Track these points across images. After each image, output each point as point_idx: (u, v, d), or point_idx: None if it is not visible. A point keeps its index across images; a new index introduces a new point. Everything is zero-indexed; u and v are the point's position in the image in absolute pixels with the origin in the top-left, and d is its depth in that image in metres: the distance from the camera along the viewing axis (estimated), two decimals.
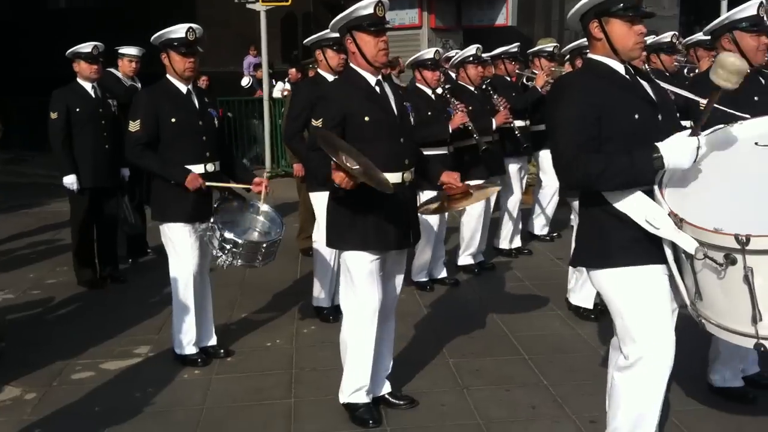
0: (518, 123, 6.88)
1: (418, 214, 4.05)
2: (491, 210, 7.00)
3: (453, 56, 7.38)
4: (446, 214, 6.33)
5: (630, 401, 3.06)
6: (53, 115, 6.26)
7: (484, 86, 6.69)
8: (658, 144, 2.82)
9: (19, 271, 7.21)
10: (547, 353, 4.81)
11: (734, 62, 2.78)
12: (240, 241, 4.41)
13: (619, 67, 3.03)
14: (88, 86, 6.41)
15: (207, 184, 4.59)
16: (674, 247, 2.84)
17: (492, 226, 7.24)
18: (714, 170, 2.92)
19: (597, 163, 2.84)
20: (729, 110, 3.50)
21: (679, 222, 2.74)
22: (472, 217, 6.64)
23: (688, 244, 2.71)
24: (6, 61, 16.47)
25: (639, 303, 2.97)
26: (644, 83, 3.08)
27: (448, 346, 4.97)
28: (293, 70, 12.74)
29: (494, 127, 6.44)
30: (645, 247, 2.91)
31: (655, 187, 2.87)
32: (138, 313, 5.77)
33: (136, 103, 4.76)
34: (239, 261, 4.44)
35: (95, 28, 15.34)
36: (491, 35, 13.36)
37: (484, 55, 7.02)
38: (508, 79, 7.36)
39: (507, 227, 7.37)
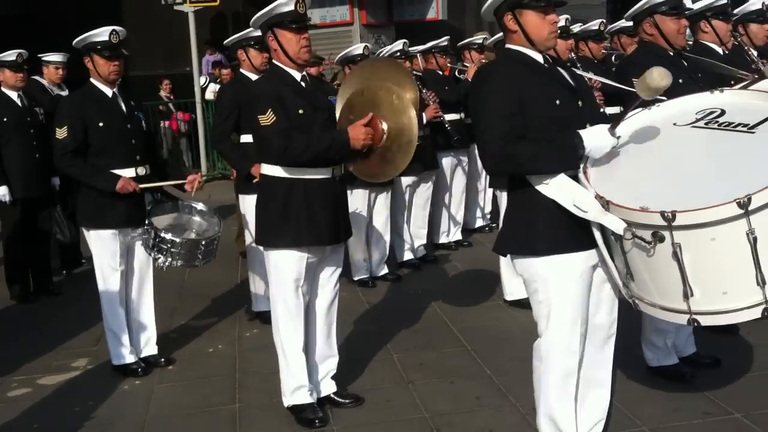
0: (452, 116, 6.92)
1: (348, 211, 4.06)
2: (429, 203, 7.02)
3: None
4: (384, 211, 6.35)
5: (545, 387, 3.16)
6: None
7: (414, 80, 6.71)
8: (581, 132, 2.89)
9: None
10: (489, 343, 4.86)
11: (656, 80, 2.83)
12: (178, 240, 4.36)
13: (538, 57, 3.08)
14: (13, 95, 6.24)
15: (140, 186, 4.49)
16: (603, 230, 2.89)
17: (429, 223, 7.28)
18: (636, 152, 2.99)
19: (524, 151, 2.89)
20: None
21: (605, 204, 2.79)
22: (401, 213, 6.67)
23: (615, 225, 2.76)
24: None
25: (556, 292, 3.03)
26: (562, 71, 3.14)
27: (391, 342, 4.99)
28: (226, 70, 12.59)
29: (424, 121, 6.47)
30: (571, 234, 2.96)
31: (580, 172, 2.93)
32: (74, 326, 5.64)
33: (61, 109, 4.66)
34: (179, 261, 4.39)
35: (12, 37, 14.95)
36: (423, 30, 13.44)
37: (413, 49, 7.06)
38: (440, 73, 7.40)
39: (443, 221, 7.41)
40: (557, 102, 3.02)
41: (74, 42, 4.59)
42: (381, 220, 6.40)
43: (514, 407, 3.95)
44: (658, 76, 2.83)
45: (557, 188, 2.95)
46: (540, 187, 2.98)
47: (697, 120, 3.04)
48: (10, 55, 6.18)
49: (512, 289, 5.51)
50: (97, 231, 4.57)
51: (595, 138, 2.89)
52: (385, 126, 3.65)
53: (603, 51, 6.89)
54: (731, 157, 2.82)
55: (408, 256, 6.85)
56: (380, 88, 3.79)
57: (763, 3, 5.33)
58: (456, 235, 7.50)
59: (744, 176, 2.63)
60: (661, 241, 2.66)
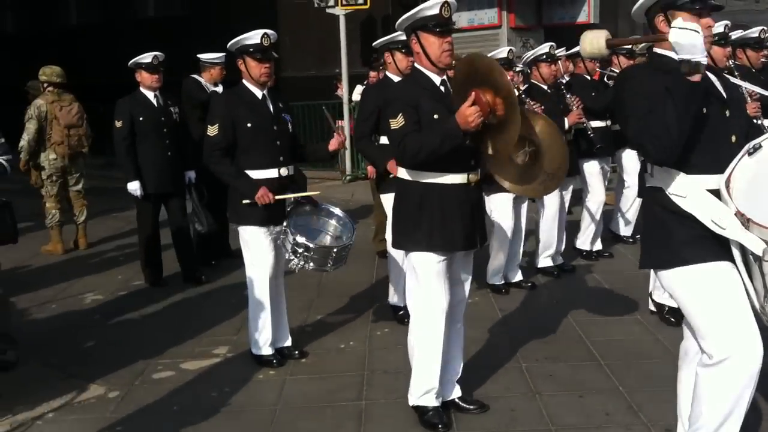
0: (597, 123, 6.76)
1: (486, 216, 4.03)
2: (566, 210, 6.88)
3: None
4: (519, 212, 6.28)
5: (716, 400, 2.94)
6: (118, 124, 6.56)
7: (560, 84, 6.61)
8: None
9: (108, 272, 7.50)
10: (623, 359, 4.70)
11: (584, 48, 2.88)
12: (311, 246, 4.48)
13: None
14: (150, 95, 6.64)
15: (276, 197, 4.64)
16: (742, 248, 2.74)
17: (573, 227, 7.13)
18: None
19: (667, 107, 2.78)
20: None
21: (746, 222, 2.65)
22: (548, 218, 6.56)
23: (755, 244, 2.63)
24: (100, 68, 17.12)
25: (714, 300, 2.88)
26: (713, 78, 2.99)
27: (521, 351, 4.92)
28: (372, 72, 12.82)
29: (566, 126, 6.34)
30: (712, 244, 2.84)
31: (722, 186, 2.79)
32: (218, 314, 5.93)
33: (213, 107, 4.89)
34: (311, 265, 4.52)
35: (179, 36, 15.87)
36: (573, 33, 13.13)
37: (562, 53, 6.93)
38: (588, 77, 7.22)
39: (588, 228, 7.23)
40: (704, 110, 2.88)
41: (228, 45, 4.81)
42: (520, 225, 6.33)
43: (645, 426, 3.81)
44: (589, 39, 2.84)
45: (696, 202, 2.83)
46: (677, 200, 2.87)
47: None
48: (146, 57, 6.57)
49: (661, 292, 5.30)
50: (245, 227, 4.77)
51: (682, 35, 2.73)
52: (488, 96, 3.50)
53: (762, 59, 6.51)
54: None
55: (547, 263, 6.73)
56: (462, 64, 3.70)
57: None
58: (597, 244, 7.30)
59: None
60: None
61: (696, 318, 2.96)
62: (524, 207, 6.34)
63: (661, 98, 2.80)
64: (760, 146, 2.90)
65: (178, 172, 6.77)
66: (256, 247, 4.77)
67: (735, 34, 6.69)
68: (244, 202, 4.63)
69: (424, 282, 3.83)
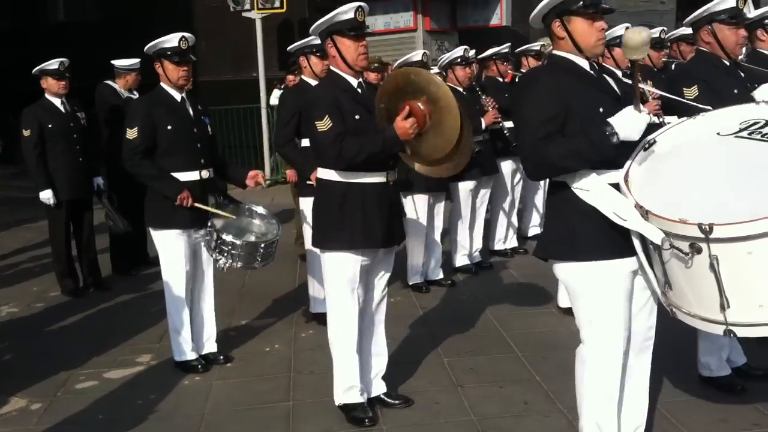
0: (511, 124, 6.95)
1: (401, 215, 4.15)
2: (485, 208, 7.08)
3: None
4: (440, 216, 6.44)
5: (588, 392, 3.18)
6: (26, 133, 6.45)
7: (474, 86, 6.80)
8: (610, 119, 2.92)
9: (23, 284, 7.33)
10: (540, 350, 4.90)
11: (632, 38, 2.86)
12: (238, 243, 4.52)
13: (584, 63, 3.12)
14: (57, 102, 6.57)
15: (195, 204, 4.66)
16: (642, 238, 2.92)
17: (486, 228, 7.33)
18: (678, 161, 3.01)
19: (557, 147, 2.93)
20: (694, 103, 3.58)
21: (645, 213, 2.82)
22: (463, 217, 6.73)
23: (654, 234, 2.79)
24: (9, 75, 16.61)
25: (599, 297, 3.07)
26: (608, 78, 3.17)
27: (442, 346, 5.07)
28: (290, 76, 12.84)
29: (483, 127, 6.54)
30: (612, 240, 3.00)
31: (621, 181, 2.97)
32: (139, 323, 5.88)
33: (132, 111, 4.87)
34: (239, 263, 4.55)
35: (92, 41, 15.52)
36: (487, 36, 13.47)
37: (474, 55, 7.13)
38: (501, 80, 7.45)
39: (501, 228, 7.45)
40: (600, 110, 3.03)
41: (145, 48, 4.80)
42: (438, 225, 6.49)
43: (562, 413, 3.99)
44: (631, 34, 2.86)
45: (598, 196, 2.99)
46: (580, 194, 3.02)
47: (741, 130, 3.04)
48: (53, 64, 6.50)
49: (566, 296, 5.51)
50: (163, 231, 4.76)
51: (624, 120, 2.90)
52: (421, 105, 3.64)
53: (663, 59, 6.84)
54: None
55: (464, 261, 6.92)
56: (395, 77, 3.82)
57: None
58: (512, 241, 7.53)
59: None
60: (698, 253, 2.69)
61: (579, 310, 3.18)
62: (441, 206, 6.50)
63: (561, 118, 2.97)
64: (655, 141, 3.10)
65: (88, 178, 6.71)
66: (174, 252, 4.77)
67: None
68: (173, 202, 4.63)
69: (339, 283, 3.93)
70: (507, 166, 7.22)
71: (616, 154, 2.99)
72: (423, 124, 3.66)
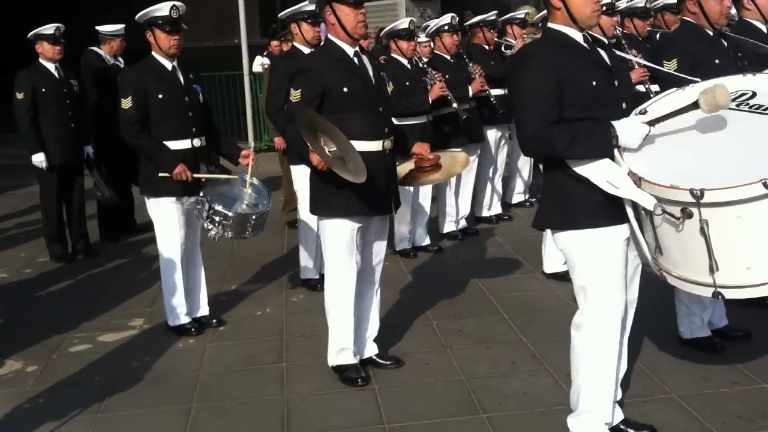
0: (497, 92, 7.02)
1: (397, 182, 4.22)
2: (472, 176, 7.16)
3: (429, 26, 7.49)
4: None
5: (587, 358, 3.26)
6: (19, 96, 6.45)
7: (461, 54, 6.85)
8: (614, 123, 3.01)
9: (11, 250, 7.35)
10: (526, 313, 5.02)
11: (722, 100, 2.92)
12: (230, 214, 4.58)
13: (578, 36, 3.16)
14: (51, 67, 6.57)
15: (194, 175, 4.69)
16: (634, 206, 3.02)
17: (472, 195, 7.42)
18: (669, 132, 3.10)
19: (561, 137, 3.00)
20: (681, 75, 3.67)
21: (637, 180, 2.92)
22: (448, 183, 6.81)
23: (646, 200, 2.89)
24: None
25: (596, 264, 3.15)
26: (601, 51, 3.24)
27: (431, 310, 5.18)
28: (274, 42, 12.78)
29: (470, 95, 6.60)
30: (606, 208, 3.09)
31: (615, 150, 3.06)
32: (130, 288, 5.94)
33: (124, 80, 4.88)
34: (229, 233, 4.61)
35: (71, 6, 15.34)
36: (468, 2, 13.47)
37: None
38: (486, 47, 7.49)
39: (486, 195, 7.55)
40: (594, 83, 3.10)
41: (136, 17, 4.79)
42: (425, 192, 6.57)
43: (548, 373, 4.12)
44: (721, 97, 2.91)
45: (591, 166, 3.07)
46: (575, 166, 3.10)
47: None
48: (49, 29, 6.48)
49: (552, 262, 5.64)
50: (156, 199, 4.80)
51: (629, 130, 3.01)
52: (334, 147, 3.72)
53: (648, 28, 6.91)
54: (760, 139, 2.93)
55: (451, 228, 7.02)
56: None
57: None
58: (496, 208, 7.64)
59: None
60: (689, 218, 2.80)
61: (576, 278, 3.26)
62: None
63: (558, 93, 3.03)
64: (646, 111, 3.20)
65: (79, 145, 6.72)
66: (168, 219, 4.82)
67: (622, 4, 7.09)
68: (161, 174, 4.66)
69: (337, 248, 4.01)
70: (492, 134, 7.30)
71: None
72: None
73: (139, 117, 4.67)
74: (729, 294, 2.90)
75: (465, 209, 7.17)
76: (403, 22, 6.57)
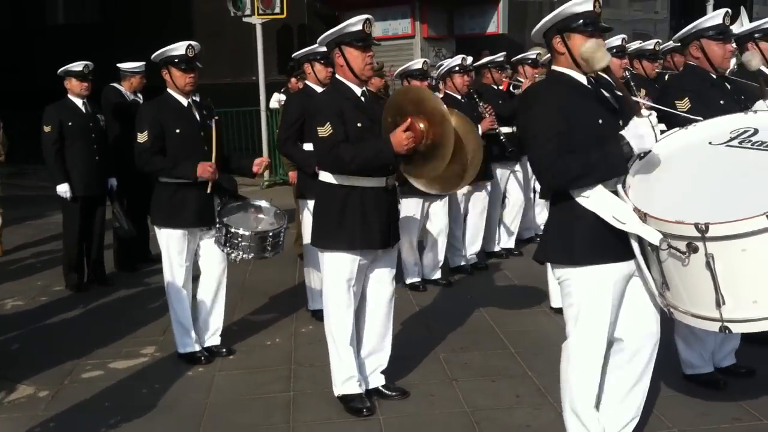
0: (506, 129, 7.12)
1: (398, 218, 4.33)
2: (484, 213, 7.23)
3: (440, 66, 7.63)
4: (439, 217, 6.60)
5: (569, 385, 3.39)
6: (47, 129, 6.66)
7: (472, 93, 6.98)
8: (621, 132, 3.10)
9: (27, 279, 7.49)
10: (532, 347, 5.07)
11: (586, 49, 3.12)
12: (247, 234, 4.71)
13: (582, 78, 3.28)
14: (78, 102, 6.79)
15: (216, 175, 4.82)
16: (640, 241, 3.09)
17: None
18: (674, 169, 3.19)
19: (576, 165, 3.08)
20: (685, 114, 3.76)
21: (643, 216, 2.99)
22: (455, 220, 6.89)
23: (652, 236, 2.96)
24: (6, 75, 16.75)
25: (590, 299, 3.24)
26: (604, 91, 3.35)
27: (438, 342, 5.24)
28: (294, 79, 13.02)
29: (480, 133, 6.71)
30: (607, 246, 3.17)
31: (619, 187, 3.14)
32: (143, 317, 6.05)
33: (141, 115, 5.03)
34: (250, 254, 4.75)
35: (92, 44, 15.68)
36: (483, 43, 13.67)
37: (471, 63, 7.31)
38: (495, 87, 7.63)
39: (496, 230, 7.62)
40: (600, 121, 3.22)
41: (153, 56, 4.97)
42: (438, 227, 6.64)
43: (552, 406, 4.16)
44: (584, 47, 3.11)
45: (598, 202, 3.15)
46: (581, 200, 3.18)
47: (732, 139, 3.22)
48: (77, 66, 6.71)
49: (558, 296, 5.68)
50: (168, 230, 4.93)
51: (632, 130, 3.07)
52: (422, 125, 3.85)
53: (656, 70, 7.03)
54: (762, 174, 3.00)
55: (461, 262, 7.09)
56: (400, 95, 4.05)
57: None
58: (509, 243, 7.70)
59: None
60: (695, 252, 2.87)
61: (568, 308, 3.36)
62: (440, 206, 6.63)
63: (565, 130, 3.13)
64: (650, 150, 3.28)
65: (103, 177, 6.89)
66: (174, 249, 4.94)
67: (633, 45, 7.23)
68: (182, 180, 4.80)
69: (336, 281, 4.11)
70: (501, 172, 7.39)
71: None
72: (419, 141, 3.86)
73: (154, 150, 4.81)
74: (736, 328, 2.95)
75: (477, 245, 7.24)
76: (417, 63, 6.74)
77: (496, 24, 14.80)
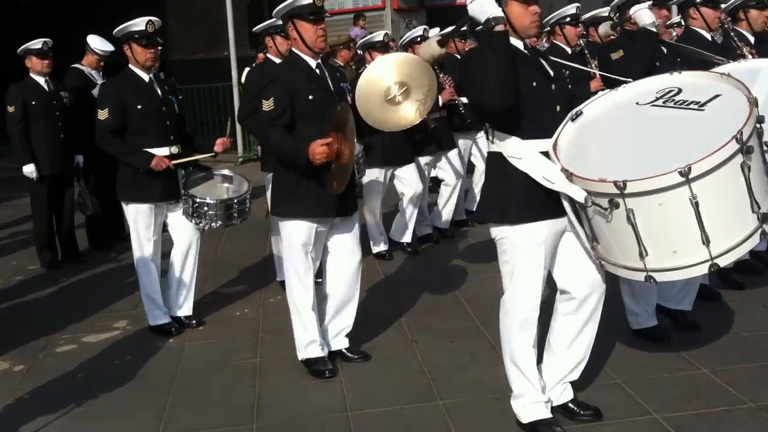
0: (466, 99, 7.24)
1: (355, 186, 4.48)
2: (461, 177, 7.39)
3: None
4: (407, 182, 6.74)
5: (508, 339, 3.60)
6: (10, 109, 6.74)
7: (432, 64, 7.09)
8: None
9: (3, 259, 7.60)
10: (489, 309, 5.20)
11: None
12: (212, 202, 4.88)
13: (519, 44, 3.46)
14: (41, 80, 6.86)
15: (173, 162, 4.97)
16: (571, 199, 3.27)
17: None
18: (601, 129, 3.37)
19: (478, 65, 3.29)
20: (614, 76, 3.93)
21: (569, 176, 3.18)
22: (420, 190, 7.05)
23: (578, 194, 3.16)
24: None
25: (523, 255, 3.44)
26: (541, 60, 3.53)
27: (401, 307, 5.44)
28: (261, 55, 13.05)
29: (440, 104, 6.86)
30: (541, 204, 3.36)
31: (550, 148, 3.32)
32: (116, 293, 6.20)
33: (102, 93, 5.16)
34: (218, 222, 4.92)
35: (57, 21, 15.59)
36: (455, 14, 13.73)
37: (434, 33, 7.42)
38: (459, 57, 7.74)
39: (460, 199, 7.78)
40: (534, 84, 3.40)
41: (114, 31, 5.07)
42: (409, 190, 6.78)
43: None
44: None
45: (529, 162, 3.34)
46: (513, 161, 3.38)
47: (657, 99, 3.40)
48: (37, 44, 6.77)
49: None
50: (135, 205, 5.06)
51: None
52: (341, 146, 3.93)
53: (612, 36, 7.16)
54: (682, 132, 3.18)
55: (426, 230, 7.27)
56: (342, 112, 4.03)
57: None
58: (462, 213, 7.85)
59: (689, 148, 3.00)
60: (616, 207, 3.06)
61: (504, 264, 3.56)
62: (406, 172, 6.73)
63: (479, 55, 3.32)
64: (582, 112, 3.47)
65: (69, 155, 6.99)
66: (142, 224, 5.08)
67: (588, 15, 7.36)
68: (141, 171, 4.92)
69: (295, 248, 4.28)
70: (462, 142, 7.54)
71: (546, 124, 3.35)
72: (332, 159, 3.97)
73: (114, 127, 4.93)
74: (660, 277, 3.14)
75: (447, 214, 7.39)
76: (378, 35, 6.87)
77: None
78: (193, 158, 5.12)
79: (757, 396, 3.77)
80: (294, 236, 4.25)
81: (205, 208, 4.88)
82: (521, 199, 3.39)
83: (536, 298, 3.49)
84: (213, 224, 4.92)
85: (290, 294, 4.38)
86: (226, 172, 5.25)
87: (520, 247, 3.44)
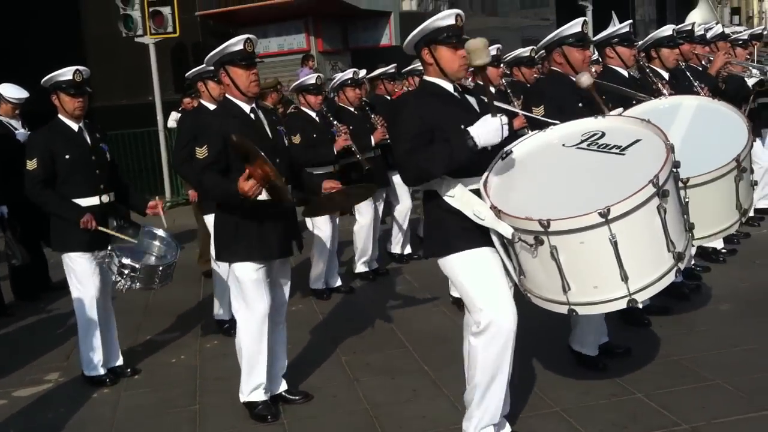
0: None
1: (309, 228, 4.50)
2: (380, 219, 7.50)
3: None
4: (335, 225, 6.81)
5: (485, 359, 3.54)
6: None
7: (364, 105, 7.23)
8: (469, 128, 3.38)
9: None
10: (429, 344, 5.33)
11: (472, 42, 3.40)
12: (137, 266, 4.77)
13: (449, 86, 3.58)
14: None
15: (99, 228, 4.88)
16: (500, 235, 3.39)
17: (385, 234, 7.78)
18: (530, 168, 3.52)
19: (424, 157, 3.39)
20: (543, 119, 4.09)
21: (498, 213, 3.30)
22: (363, 227, 7.13)
23: (506, 230, 3.30)
24: None
25: (479, 277, 3.50)
26: (470, 99, 3.65)
27: (341, 346, 5.44)
28: (186, 99, 12.99)
29: (373, 143, 6.97)
30: (477, 234, 3.47)
31: (481, 186, 3.44)
32: (45, 344, 6.01)
33: (31, 143, 5.07)
34: (137, 284, 4.80)
35: None
36: (378, 55, 14.01)
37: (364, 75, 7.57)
38: (388, 98, 7.91)
39: (398, 235, 7.89)
40: (462, 126, 3.49)
41: (42, 81, 5.00)
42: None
43: (446, 397, 4.41)
44: (476, 43, 3.38)
45: (461, 200, 3.46)
46: (447, 199, 3.50)
47: (582, 141, 3.58)
48: None
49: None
50: (68, 254, 4.97)
51: (479, 126, 3.36)
52: (262, 169, 3.86)
53: (535, 75, 7.45)
54: (603, 174, 3.37)
55: (363, 268, 7.31)
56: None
57: (673, 30, 5.91)
58: (407, 248, 7.97)
59: (610, 190, 3.17)
60: (541, 244, 3.20)
61: (466, 294, 3.58)
62: (337, 220, 6.87)
63: (428, 134, 3.43)
64: (511, 151, 3.60)
65: None
66: (81, 272, 4.98)
67: (515, 53, 7.64)
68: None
69: (246, 290, 4.25)
70: (398, 178, 7.65)
71: (478, 163, 3.46)
72: (266, 183, 3.91)
73: (44, 177, 4.86)
74: (581, 310, 3.30)
75: (375, 250, 7.47)
76: (311, 78, 6.93)
77: (389, 36, 15.21)
78: (118, 235, 4.95)
79: (691, 417, 3.90)
80: (243, 278, 4.23)
81: (128, 270, 4.79)
82: (459, 230, 3.49)
83: (513, 317, 3.47)
84: (133, 286, 4.82)
85: (242, 336, 4.32)
86: (159, 232, 5.15)
87: (474, 271, 3.51)
